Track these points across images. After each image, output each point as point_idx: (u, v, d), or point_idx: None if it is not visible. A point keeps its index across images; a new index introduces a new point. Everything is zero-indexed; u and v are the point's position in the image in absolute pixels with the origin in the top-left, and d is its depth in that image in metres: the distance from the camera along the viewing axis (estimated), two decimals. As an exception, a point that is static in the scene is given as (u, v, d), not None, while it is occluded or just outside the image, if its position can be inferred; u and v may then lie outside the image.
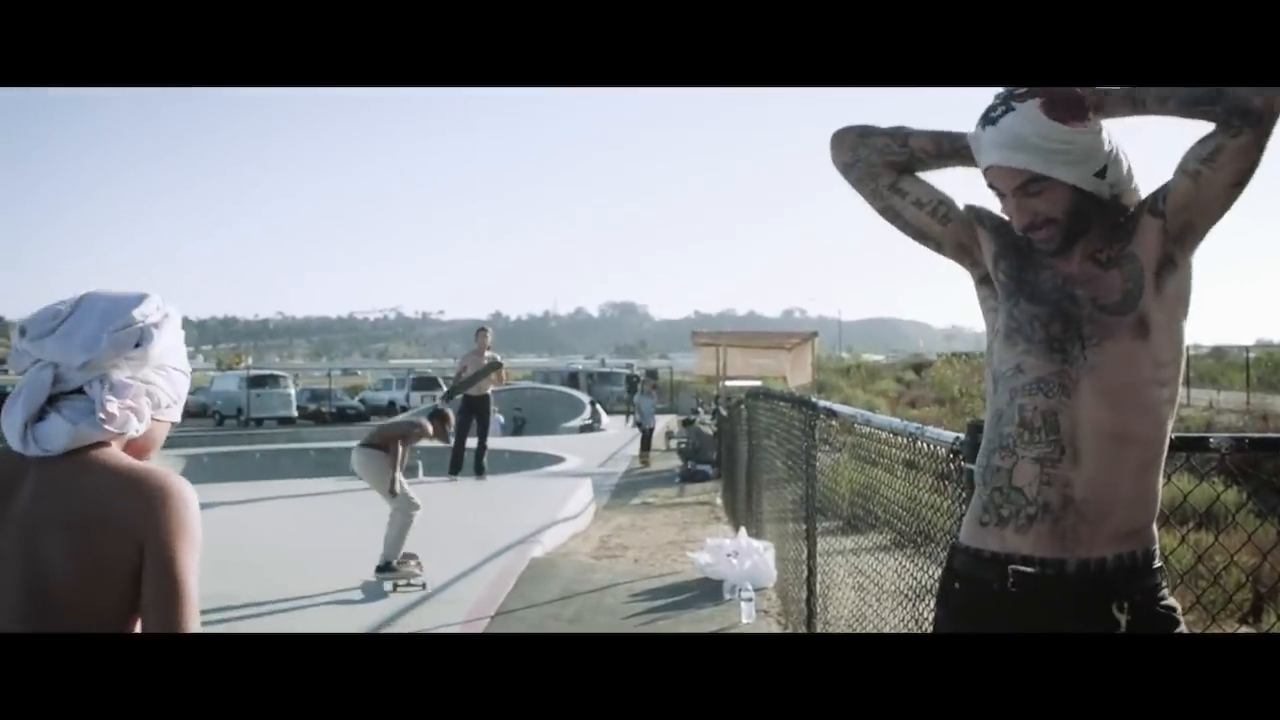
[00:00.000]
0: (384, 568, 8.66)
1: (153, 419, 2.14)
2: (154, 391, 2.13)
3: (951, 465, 3.47)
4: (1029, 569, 2.29)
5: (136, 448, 2.16)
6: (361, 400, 51.89)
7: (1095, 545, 2.24)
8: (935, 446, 3.76)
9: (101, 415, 2.01)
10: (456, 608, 8.13)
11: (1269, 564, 6.07)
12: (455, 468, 16.63)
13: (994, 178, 2.33)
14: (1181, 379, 2.32)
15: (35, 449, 1.98)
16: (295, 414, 44.38)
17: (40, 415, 1.99)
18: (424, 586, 8.63)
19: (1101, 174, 2.25)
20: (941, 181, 2.56)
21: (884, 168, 2.52)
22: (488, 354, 16.68)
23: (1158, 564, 2.28)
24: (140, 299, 2.14)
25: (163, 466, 2.17)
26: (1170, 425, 2.28)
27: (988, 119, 2.28)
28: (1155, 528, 2.29)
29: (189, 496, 2.08)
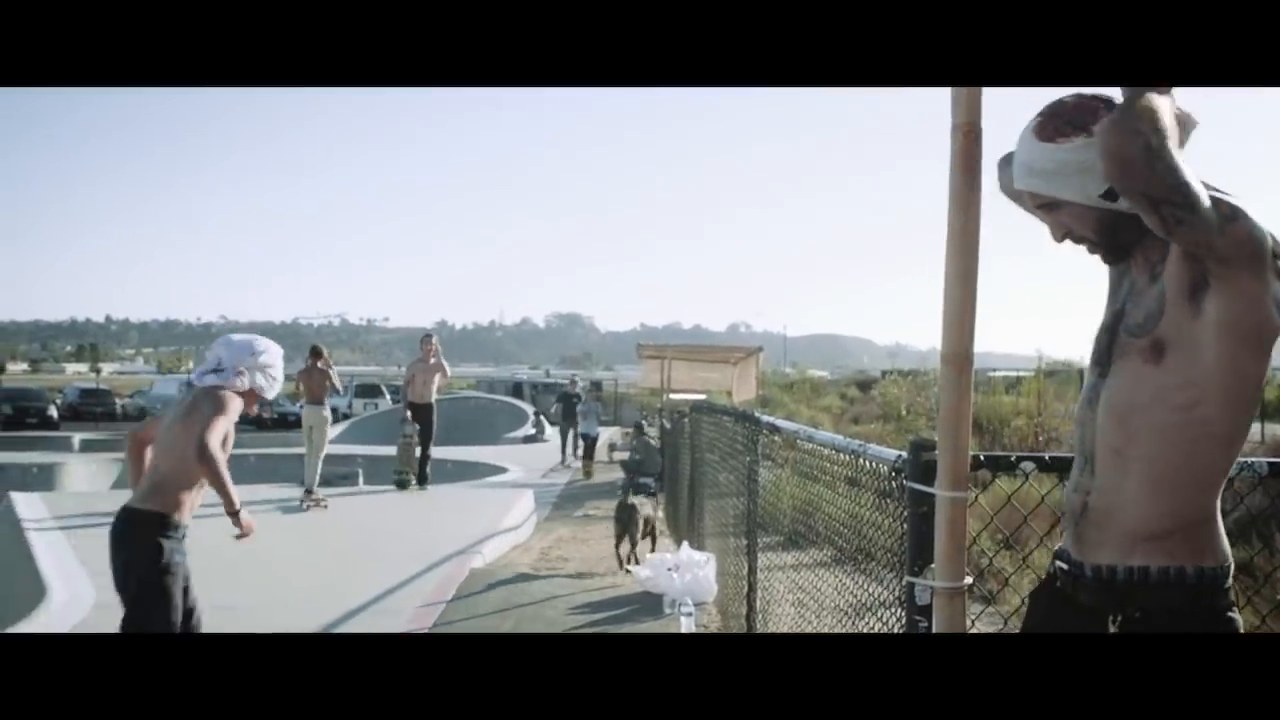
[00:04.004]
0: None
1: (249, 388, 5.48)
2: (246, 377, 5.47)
3: (893, 483, 3.47)
4: (1064, 564, 2.44)
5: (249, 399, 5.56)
6: (303, 406, 51.18)
7: (1103, 553, 2.30)
8: (877, 464, 3.76)
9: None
10: (395, 618, 8.07)
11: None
12: (422, 478, 16.64)
13: (1024, 201, 2.48)
14: (1244, 404, 2.22)
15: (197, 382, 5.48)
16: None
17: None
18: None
19: (1111, 195, 2.23)
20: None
21: None
22: (433, 361, 16.70)
23: (1190, 584, 2.22)
24: (244, 341, 5.67)
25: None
26: (1202, 449, 2.21)
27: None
28: (1194, 552, 2.23)
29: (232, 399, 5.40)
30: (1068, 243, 2.43)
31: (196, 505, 5.37)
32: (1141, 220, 2.19)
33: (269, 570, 7.30)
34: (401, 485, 16.44)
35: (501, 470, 21.06)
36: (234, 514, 5.20)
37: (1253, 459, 3.30)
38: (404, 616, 8.13)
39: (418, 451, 16.66)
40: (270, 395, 5.59)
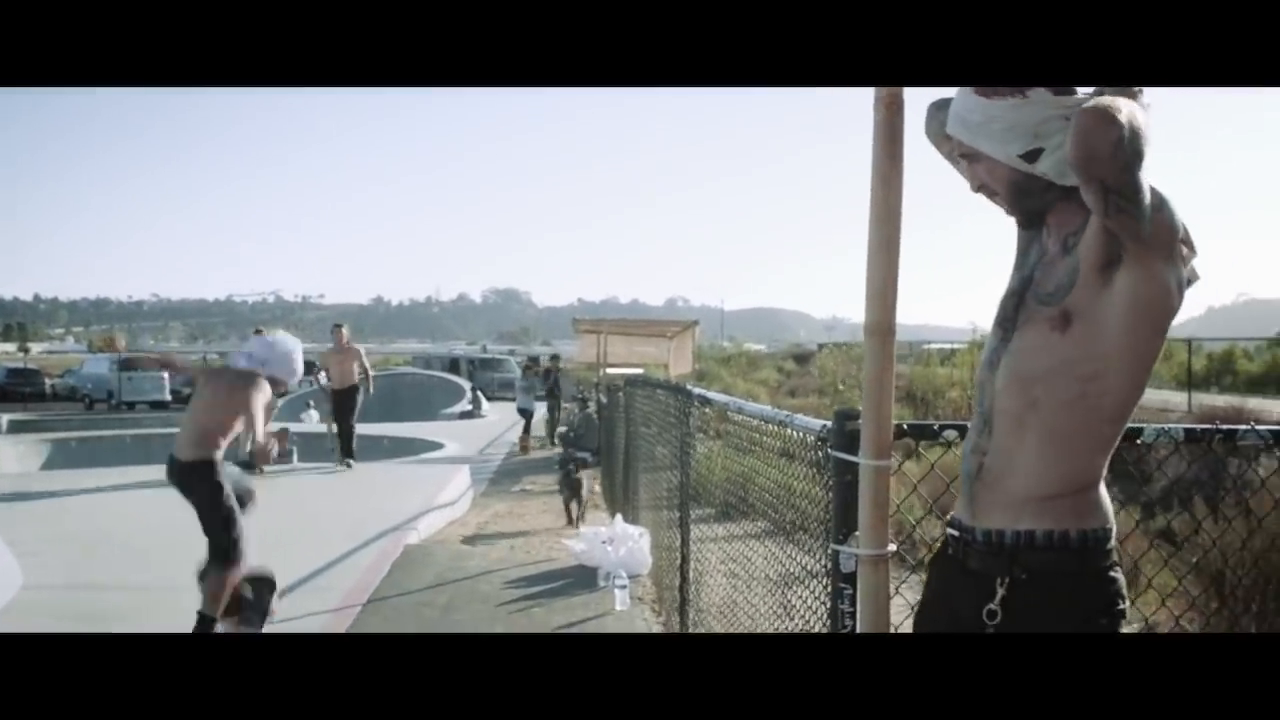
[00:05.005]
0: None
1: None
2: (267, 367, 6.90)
3: (819, 453, 3.50)
4: (955, 531, 2.47)
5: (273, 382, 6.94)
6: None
7: (994, 516, 2.34)
8: (804, 434, 3.78)
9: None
10: (328, 595, 8.04)
11: (1125, 548, 6.27)
12: (347, 452, 16.78)
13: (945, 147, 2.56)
14: (1140, 379, 2.27)
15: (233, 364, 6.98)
16: (169, 398, 43.39)
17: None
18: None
19: (1030, 157, 2.28)
20: None
21: None
22: (346, 348, 17.06)
23: (1074, 547, 2.28)
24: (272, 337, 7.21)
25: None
26: (1096, 418, 2.26)
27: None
28: (1078, 516, 2.29)
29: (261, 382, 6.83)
30: (1015, 224, 2.50)
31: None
32: (1051, 188, 2.29)
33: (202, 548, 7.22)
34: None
35: (438, 446, 20.99)
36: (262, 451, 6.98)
37: (1169, 425, 3.36)
38: (337, 593, 8.09)
39: (332, 428, 17.22)
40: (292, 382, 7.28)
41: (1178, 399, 25.64)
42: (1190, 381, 29.43)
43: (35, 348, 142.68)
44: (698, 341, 26.46)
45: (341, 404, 16.88)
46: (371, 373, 17.42)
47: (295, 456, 17.58)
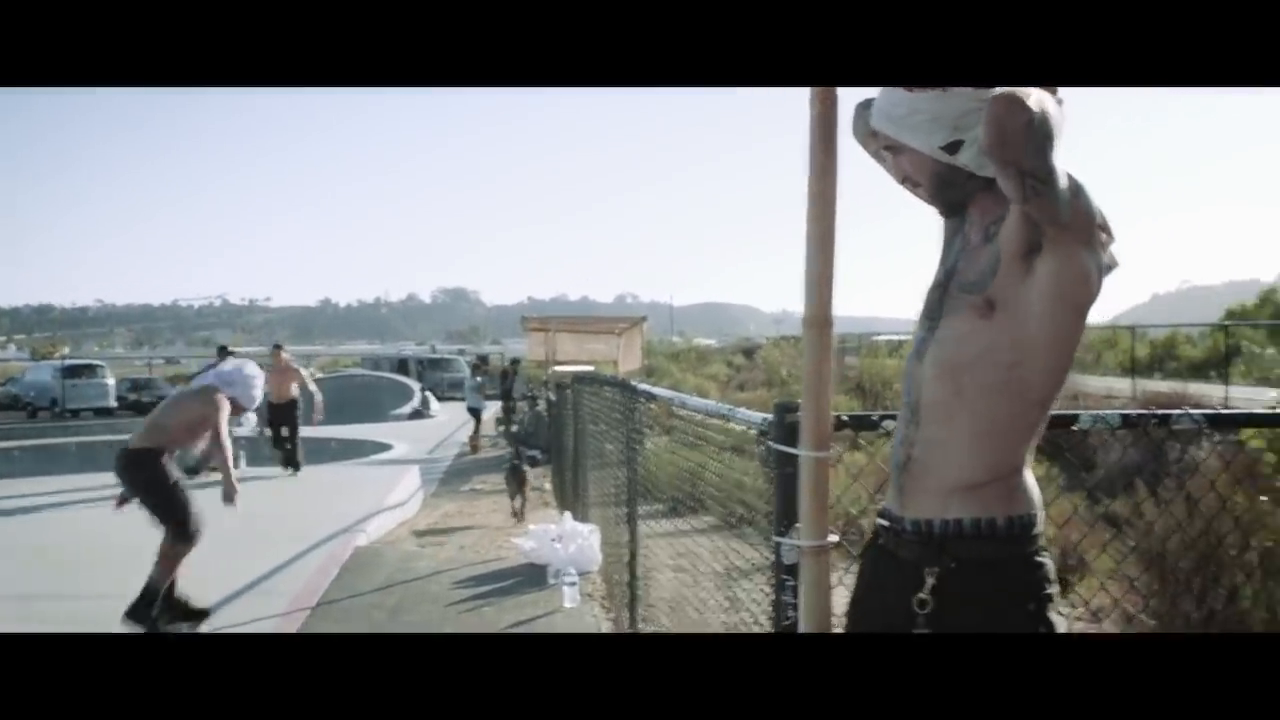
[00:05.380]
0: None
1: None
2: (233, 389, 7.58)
3: (762, 446, 3.51)
4: (885, 521, 2.50)
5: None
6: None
7: (923, 506, 2.36)
8: (746, 428, 3.80)
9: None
10: (276, 599, 7.98)
11: (1072, 533, 6.35)
12: (293, 464, 16.86)
13: (871, 144, 2.58)
14: (1062, 365, 2.30)
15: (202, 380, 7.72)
16: (114, 404, 42.89)
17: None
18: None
19: (951, 148, 2.31)
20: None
21: None
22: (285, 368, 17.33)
23: (1001, 534, 2.30)
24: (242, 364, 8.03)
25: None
26: (1022, 403, 2.29)
27: None
28: (1005, 503, 2.32)
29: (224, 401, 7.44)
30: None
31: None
32: (972, 178, 2.32)
33: (149, 556, 7.14)
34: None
35: (387, 447, 20.91)
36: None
37: (1105, 411, 3.40)
38: (285, 597, 8.04)
39: (266, 434, 17.42)
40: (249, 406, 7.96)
41: (1121, 385, 25.96)
42: (1134, 368, 29.81)
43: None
44: (647, 337, 26.47)
45: (278, 418, 17.07)
46: (317, 394, 17.44)
47: (244, 461, 17.44)
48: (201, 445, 7.81)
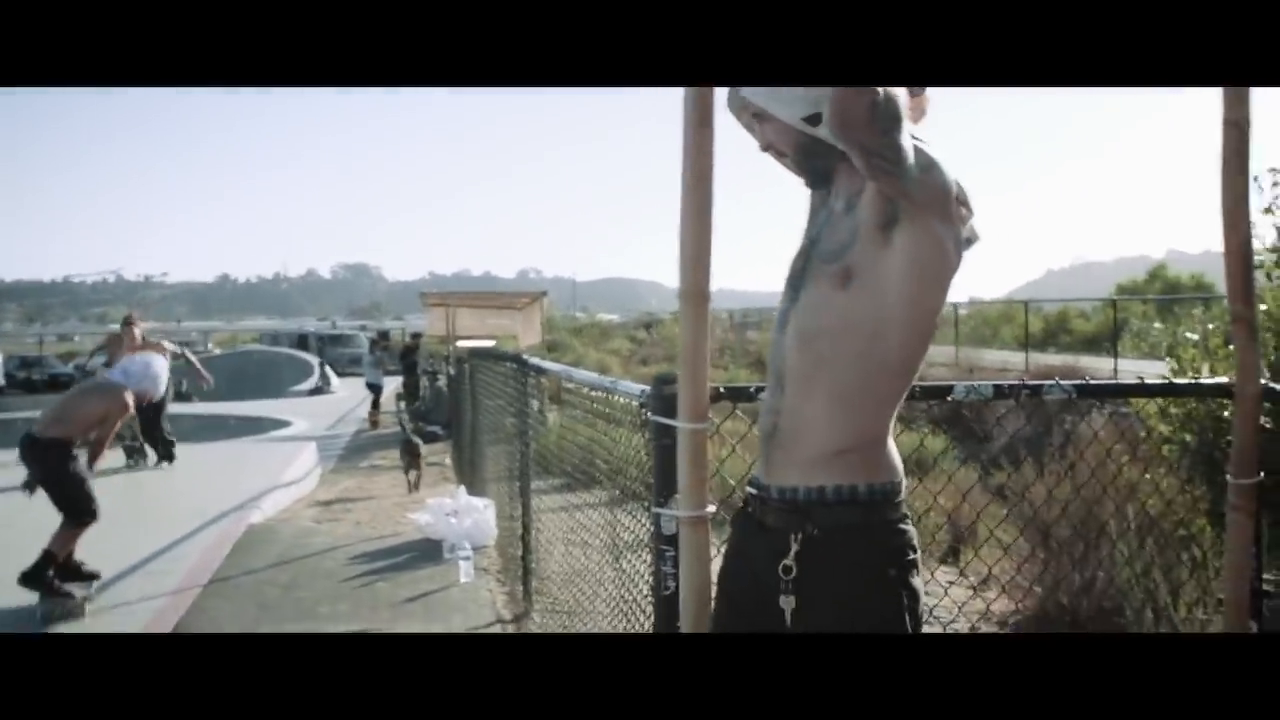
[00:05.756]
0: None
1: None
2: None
3: (643, 418, 3.54)
4: (753, 489, 2.53)
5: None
6: (77, 367, 49.39)
7: (789, 474, 2.40)
8: (628, 400, 3.84)
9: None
10: (167, 579, 7.87)
11: (968, 504, 6.48)
12: (166, 454, 14.56)
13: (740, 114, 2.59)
14: (923, 335, 2.35)
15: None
16: (2, 382, 41.90)
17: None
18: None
19: (813, 120, 2.35)
20: None
21: None
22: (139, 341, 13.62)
23: (862, 500, 2.35)
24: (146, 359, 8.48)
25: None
26: (882, 373, 2.34)
27: None
28: (867, 471, 2.36)
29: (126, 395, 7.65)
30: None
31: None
32: (834, 149, 2.34)
33: (35, 537, 6.99)
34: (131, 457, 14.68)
35: (286, 424, 20.65)
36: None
37: (978, 382, 3.48)
38: (177, 576, 7.94)
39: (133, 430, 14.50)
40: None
41: (1016, 359, 26.45)
42: (1028, 342, 30.37)
43: None
44: (548, 313, 26.46)
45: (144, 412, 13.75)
46: (193, 359, 15.43)
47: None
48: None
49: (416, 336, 26.74)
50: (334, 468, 15.17)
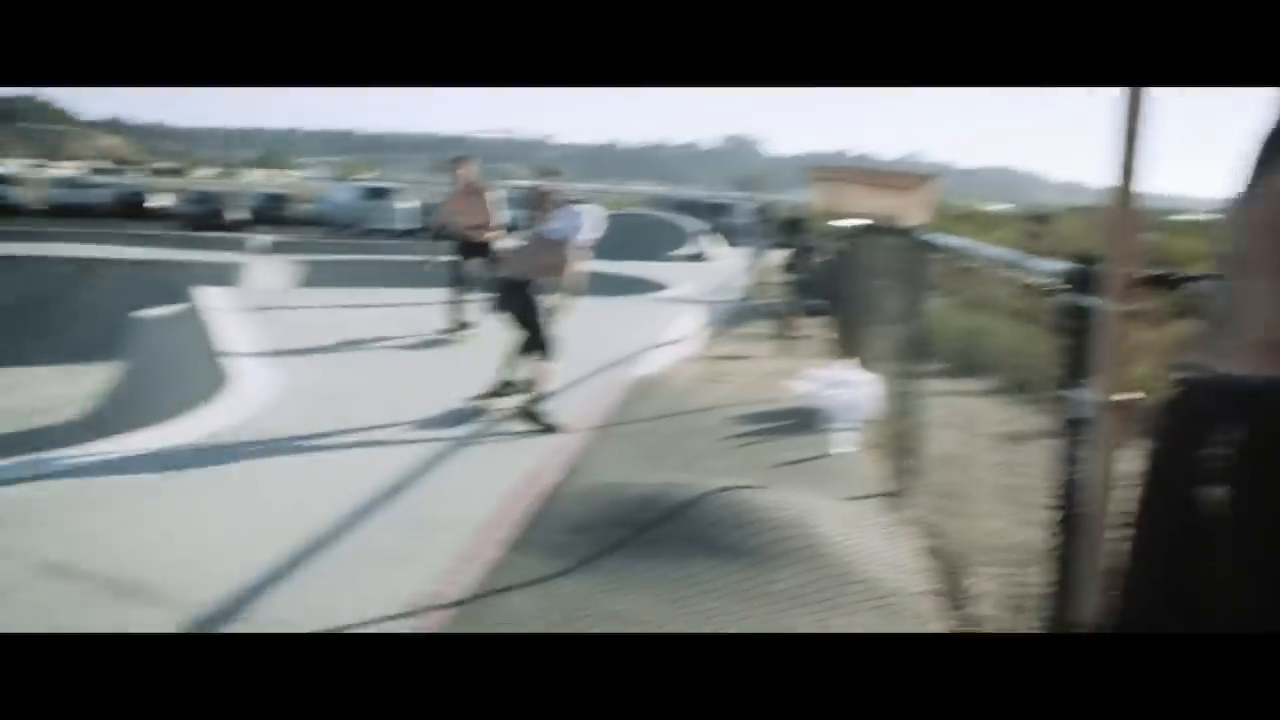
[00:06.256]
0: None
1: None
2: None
3: (1056, 299, 3.39)
4: (1189, 376, 2.38)
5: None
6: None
7: (1235, 361, 2.25)
8: (1040, 279, 3.69)
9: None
10: (563, 418, 8.41)
11: None
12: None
13: None
14: None
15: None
16: (408, 226, 45.12)
17: None
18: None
19: None
20: None
21: None
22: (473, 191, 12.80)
23: None
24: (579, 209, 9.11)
25: None
26: None
27: None
28: None
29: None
30: None
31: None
32: None
33: (449, 380, 7.67)
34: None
35: (666, 287, 21.15)
36: None
37: None
38: (571, 416, 8.48)
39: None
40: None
41: None
42: None
43: (290, 175, 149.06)
44: (936, 194, 25.82)
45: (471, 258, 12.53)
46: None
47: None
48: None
49: (802, 209, 26.63)
50: (713, 332, 15.46)
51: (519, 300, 8.52)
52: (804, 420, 8.74)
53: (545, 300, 8.61)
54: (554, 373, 8.58)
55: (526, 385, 8.61)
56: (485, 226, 12.46)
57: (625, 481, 6.65)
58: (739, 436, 8.34)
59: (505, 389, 8.85)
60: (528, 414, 8.38)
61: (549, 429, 8.22)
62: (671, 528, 5.66)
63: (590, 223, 8.99)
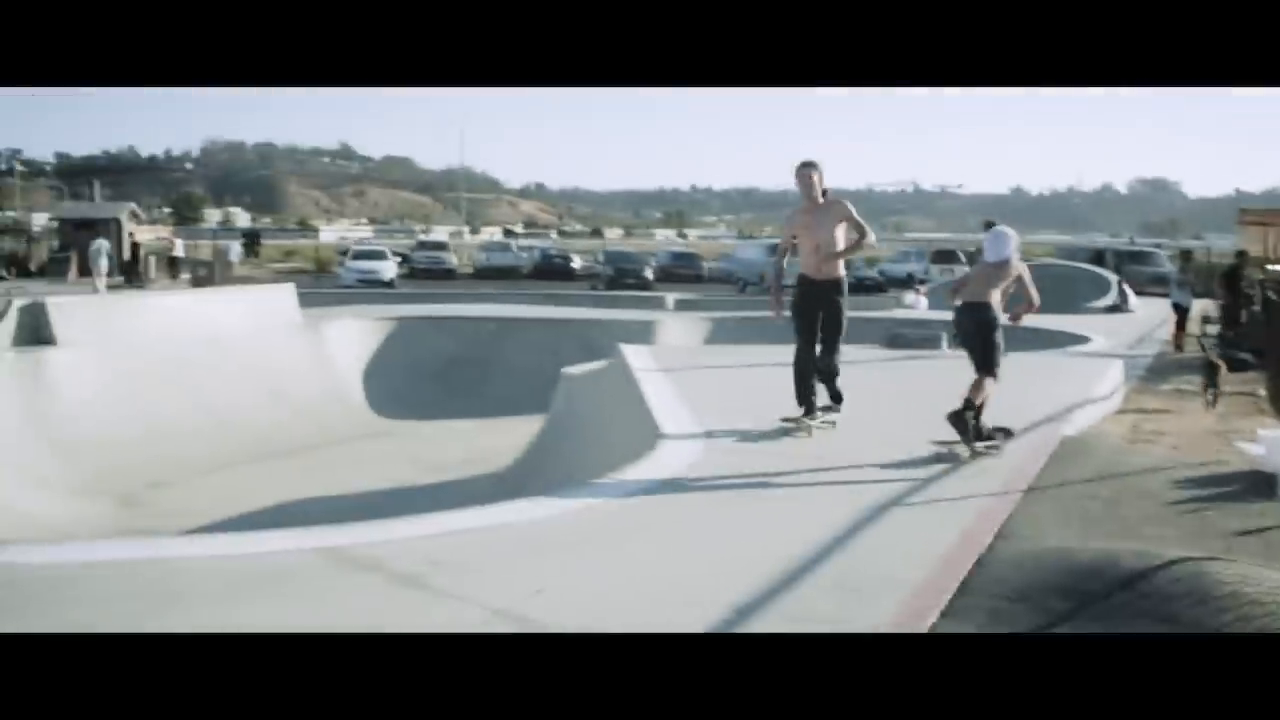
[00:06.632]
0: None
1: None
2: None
3: None
4: None
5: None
6: (880, 272, 52.45)
7: None
8: None
9: None
10: (990, 478, 8.20)
11: None
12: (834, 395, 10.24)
13: None
14: None
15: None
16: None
17: None
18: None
19: None
20: None
21: None
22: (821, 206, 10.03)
23: None
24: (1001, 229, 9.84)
25: None
26: None
27: None
28: None
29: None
30: None
31: None
32: None
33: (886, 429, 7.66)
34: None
35: (1085, 340, 20.44)
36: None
37: None
38: (997, 478, 8.29)
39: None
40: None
41: None
42: None
43: (692, 234, 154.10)
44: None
45: (821, 304, 9.94)
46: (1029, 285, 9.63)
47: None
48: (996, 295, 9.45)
49: (1241, 254, 25.02)
50: (1136, 387, 14.85)
51: (975, 322, 9.41)
52: (1256, 485, 8.17)
53: (999, 319, 9.36)
54: (994, 392, 9.26)
55: (971, 396, 9.14)
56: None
57: (1068, 546, 6.39)
58: (1185, 502, 7.86)
59: (966, 413, 9.15)
60: (968, 427, 9.03)
61: (988, 441, 9.16)
62: (1122, 599, 5.38)
63: (1015, 239, 9.71)
